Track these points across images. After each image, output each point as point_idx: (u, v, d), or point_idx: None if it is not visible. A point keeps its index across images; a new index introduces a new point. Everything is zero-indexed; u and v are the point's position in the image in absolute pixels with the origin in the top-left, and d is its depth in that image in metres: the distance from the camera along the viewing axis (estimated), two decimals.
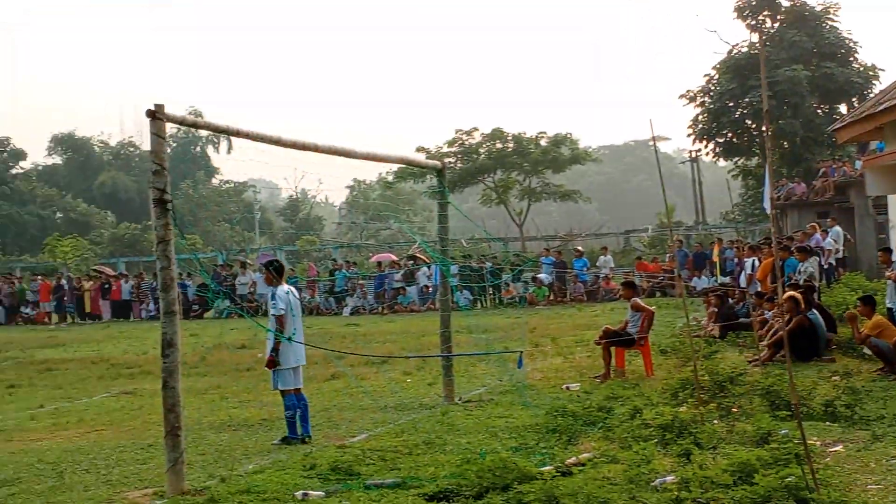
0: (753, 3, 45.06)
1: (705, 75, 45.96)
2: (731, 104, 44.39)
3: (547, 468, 8.02)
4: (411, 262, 35.07)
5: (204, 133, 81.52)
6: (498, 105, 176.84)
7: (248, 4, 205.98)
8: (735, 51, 45.69)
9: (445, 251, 14.17)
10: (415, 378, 16.11)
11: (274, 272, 11.02)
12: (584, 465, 8.22)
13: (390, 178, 63.90)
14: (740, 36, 66.39)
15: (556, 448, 9.43)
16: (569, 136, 52.52)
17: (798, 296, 15.19)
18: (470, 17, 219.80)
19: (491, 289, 32.21)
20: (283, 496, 8.01)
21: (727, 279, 26.88)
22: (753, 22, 45.63)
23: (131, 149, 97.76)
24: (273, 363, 10.75)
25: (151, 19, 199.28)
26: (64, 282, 39.08)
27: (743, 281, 22.87)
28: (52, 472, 9.91)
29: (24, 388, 17.64)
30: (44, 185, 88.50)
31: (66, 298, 38.35)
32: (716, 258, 29.49)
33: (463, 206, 28.87)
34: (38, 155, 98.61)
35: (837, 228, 26.03)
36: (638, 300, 15.64)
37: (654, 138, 11.79)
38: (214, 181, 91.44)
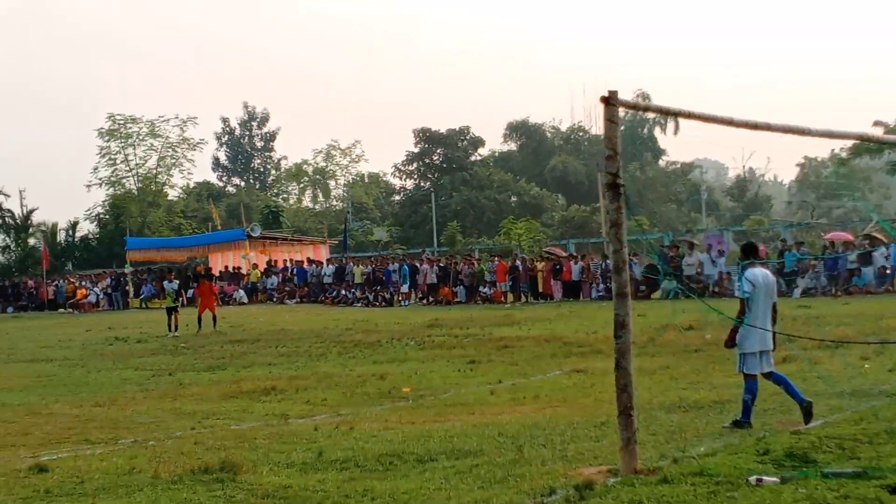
0: None
1: None
2: None
3: None
4: (867, 241, 32.95)
5: (651, 115, 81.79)
6: None
7: None
8: None
9: None
10: (873, 363, 15.07)
11: (746, 253, 10.95)
12: None
13: (844, 154, 60.37)
14: None
15: None
16: None
17: None
18: None
19: None
20: (735, 480, 7.76)
21: None
22: None
23: (580, 133, 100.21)
24: (730, 343, 10.72)
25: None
26: (518, 262, 40.87)
27: None
28: (512, 445, 10.29)
29: (483, 363, 18.54)
30: (500, 170, 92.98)
31: (520, 278, 40.10)
32: None
33: None
34: (494, 142, 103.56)
35: None
36: None
37: None
38: (661, 162, 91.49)
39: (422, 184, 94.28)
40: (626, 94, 9.15)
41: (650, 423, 10.93)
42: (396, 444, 10.58)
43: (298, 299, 46.66)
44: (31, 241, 77.74)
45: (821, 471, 7.91)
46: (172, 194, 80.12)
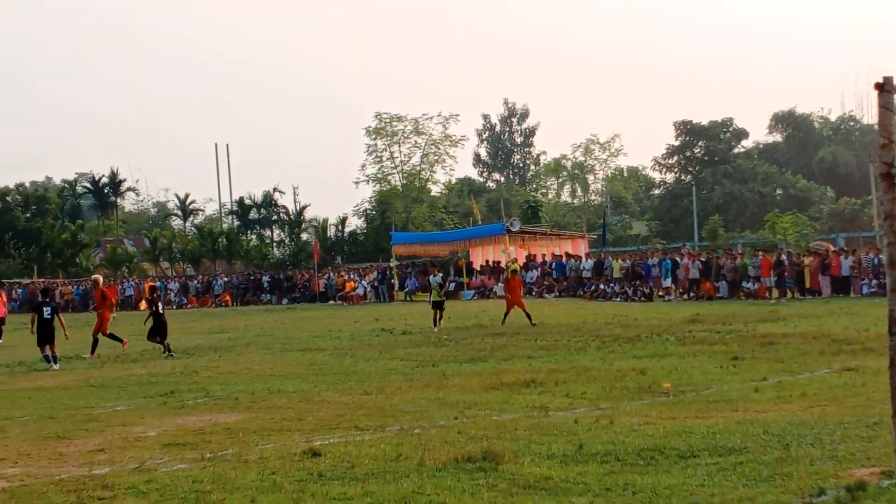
0: None
1: None
2: None
3: None
4: None
5: None
6: None
7: None
8: None
9: None
10: None
11: None
12: None
13: None
14: None
15: None
16: None
17: None
18: None
19: None
20: None
21: None
22: None
23: (851, 123, 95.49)
24: None
25: None
26: (784, 257, 39.46)
27: None
28: (778, 443, 9.98)
29: (747, 360, 18.02)
30: (764, 162, 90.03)
31: (786, 273, 38.70)
32: None
33: None
34: (758, 133, 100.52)
35: None
36: None
37: None
38: None
39: (682, 177, 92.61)
40: None
41: None
42: (657, 439, 10.47)
43: (557, 293, 46.90)
44: (304, 236, 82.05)
45: None
46: (435, 190, 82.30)
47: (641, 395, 14.18)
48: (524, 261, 51.74)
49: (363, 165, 79.43)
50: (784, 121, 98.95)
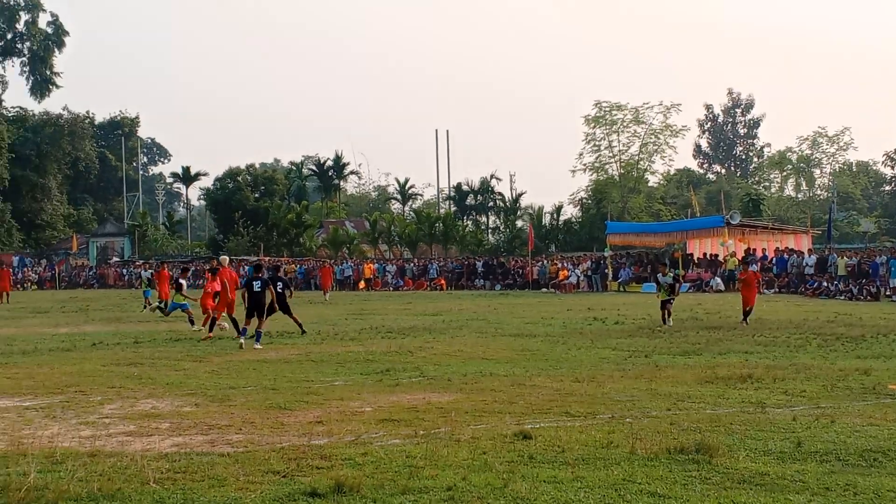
0: None
1: None
2: None
3: None
4: None
5: None
6: None
7: None
8: None
9: None
10: None
11: None
12: None
13: None
14: None
15: None
16: None
17: None
18: None
19: None
20: None
21: None
22: None
23: None
24: None
25: None
26: None
27: None
28: None
29: None
30: None
31: None
32: None
33: None
34: None
35: None
36: None
37: None
38: None
39: None
40: None
41: None
42: (881, 440, 10.01)
43: (777, 289, 45.40)
44: (519, 223, 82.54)
45: None
46: (653, 180, 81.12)
47: (865, 396, 13.57)
48: (743, 254, 50.29)
49: (580, 154, 79.21)
50: None
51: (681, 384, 14.89)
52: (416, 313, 34.52)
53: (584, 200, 79.87)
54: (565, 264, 56.60)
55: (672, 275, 26.42)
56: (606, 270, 54.26)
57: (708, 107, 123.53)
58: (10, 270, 63.88)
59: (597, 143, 77.07)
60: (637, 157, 76.73)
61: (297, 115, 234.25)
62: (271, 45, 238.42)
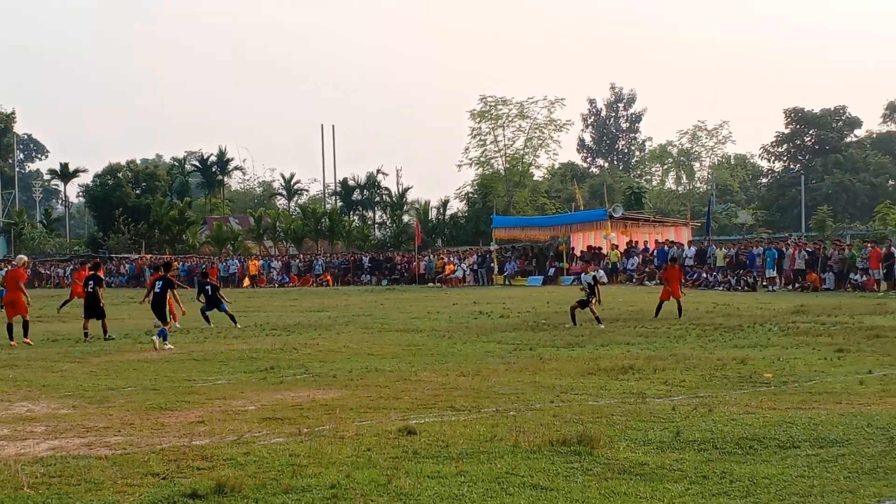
0: None
1: None
2: None
3: None
4: None
5: None
6: None
7: None
8: None
9: None
10: None
11: None
12: None
13: None
14: None
15: None
16: None
17: None
18: None
19: None
20: None
21: None
22: None
23: None
24: None
25: None
26: (894, 249, 38.34)
27: None
28: (882, 436, 9.76)
29: (853, 353, 17.58)
30: (877, 152, 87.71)
31: (895, 266, 37.61)
32: None
33: None
34: (872, 122, 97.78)
35: None
36: None
37: None
38: None
39: (791, 166, 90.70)
40: None
41: None
42: (757, 428, 10.28)
43: (658, 281, 46.33)
44: (405, 218, 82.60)
45: None
46: (538, 174, 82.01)
47: (742, 385, 13.93)
48: (625, 247, 51.23)
49: (467, 149, 79.64)
50: None
51: (564, 376, 15.07)
52: (302, 310, 34.27)
53: (470, 195, 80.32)
54: (451, 259, 56.86)
55: (593, 275, 25.63)
56: (492, 264, 54.68)
57: (591, 101, 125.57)
58: None
59: (482, 137, 77.61)
60: (522, 152, 77.49)
61: (180, 111, 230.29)
62: (153, 39, 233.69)
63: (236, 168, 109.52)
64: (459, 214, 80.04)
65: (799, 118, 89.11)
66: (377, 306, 34.84)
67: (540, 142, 77.15)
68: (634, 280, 47.14)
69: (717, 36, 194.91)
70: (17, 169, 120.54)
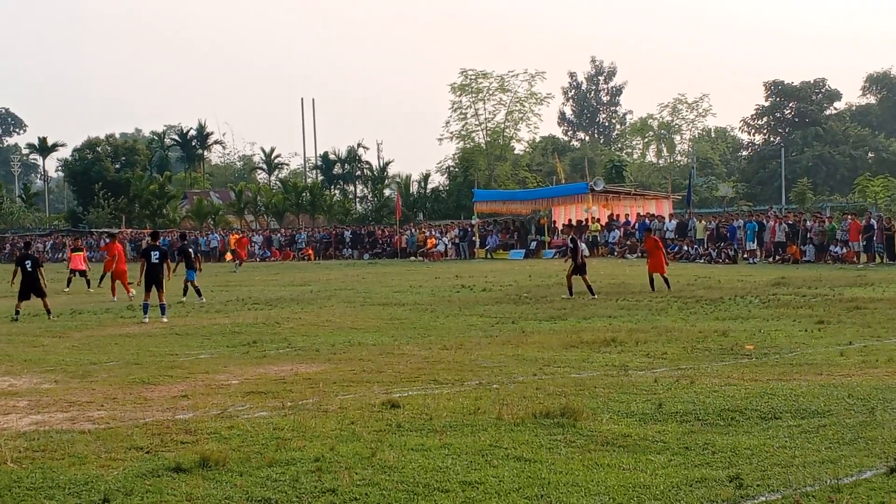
0: None
1: None
2: None
3: None
4: None
5: None
6: None
7: None
8: None
9: None
10: None
11: None
12: None
13: None
14: None
15: None
16: None
17: None
18: None
19: None
20: None
21: None
22: None
23: None
24: None
25: None
26: (873, 221, 38.54)
27: None
28: (863, 407, 9.83)
29: (833, 324, 17.69)
30: (856, 125, 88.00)
31: (875, 238, 37.82)
32: None
33: None
34: (851, 95, 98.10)
35: None
36: None
37: None
38: None
39: (771, 139, 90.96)
40: None
41: None
42: (738, 399, 10.35)
43: (639, 254, 46.48)
44: (387, 192, 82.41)
45: None
46: (519, 148, 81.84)
47: (723, 357, 14.01)
48: (607, 220, 51.30)
49: (447, 122, 79.34)
50: (878, 83, 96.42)
51: (547, 349, 15.12)
52: (284, 284, 34.22)
53: (452, 168, 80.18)
54: (433, 232, 56.80)
55: (571, 237, 25.38)
56: (474, 238, 54.67)
57: (572, 74, 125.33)
58: None
59: (463, 111, 77.30)
60: (503, 125, 77.27)
61: (160, 85, 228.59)
62: (130, 11, 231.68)
63: (216, 142, 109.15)
64: (441, 188, 79.91)
65: (779, 91, 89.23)
66: (359, 280, 34.82)
67: (521, 115, 76.93)
68: (616, 253, 47.25)
69: (698, 8, 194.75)
70: None
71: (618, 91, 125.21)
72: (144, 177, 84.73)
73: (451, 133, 78.55)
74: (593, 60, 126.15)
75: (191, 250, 28.03)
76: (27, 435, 9.47)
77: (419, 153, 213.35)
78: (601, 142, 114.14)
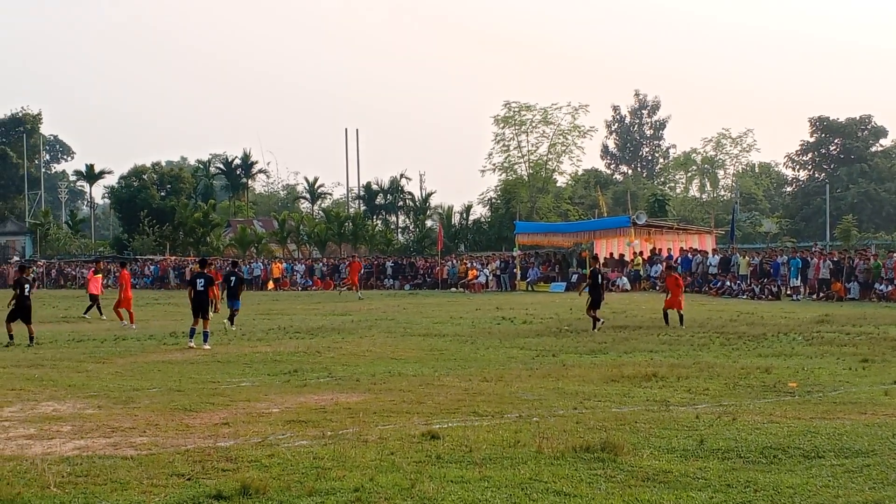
0: None
1: None
2: None
3: None
4: None
5: None
6: None
7: None
8: None
9: None
10: None
11: None
12: None
13: None
14: None
15: None
16: None
17: None
18: None
19: None
20: None
21: None
22: None
23: None
24: None
25: None
26: None
27: None
28: None
29: (877, 363, 17.48)
30: None
31: None
32: None
33: None
34: None
35: None
36: None
37: None
38: None
39: (816, 175, 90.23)
40: None
41: None
42: (781, 437, 10.25)
43: (659, 289, 46.23)
44: (428, 223, 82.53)
45: None
46: (561, 181, 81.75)
47: (766, 394, 13.89)
48: (649, 255, 51.06)
49: (490, 154, 79.37)
50: None
51: (587, 383, 15.07)
52: (325, 313, 34.34)
53: (494, 200, 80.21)
54: (474, 264, 56.79)
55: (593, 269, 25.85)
56: (515, 270, 54.58)
57: (615, 108, 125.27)
58: None
59: (506, 143, 77.39)
60: (545, 158, 77.26)
61: (205, 113, 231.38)
62: (178, 40, 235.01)
63: (260, 171, 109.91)
64: (482, 220, 79.94)
65: (824, 127, 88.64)
66: (400, 311, 34.87)
67: (563, 148, 76.87)
68: (658, 287, 46.94)
69: (742, 42, 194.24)
70: (42, 170, 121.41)
71: (661, 125, 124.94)
72: (189, 205, 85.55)
73: (494, 165, 78.66)
74: (637, 94, 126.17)
75: (233, 279, 27.99)
76: (70, 460, 9.56)
77: (461, 185, 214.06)
78: (644, 176, 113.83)
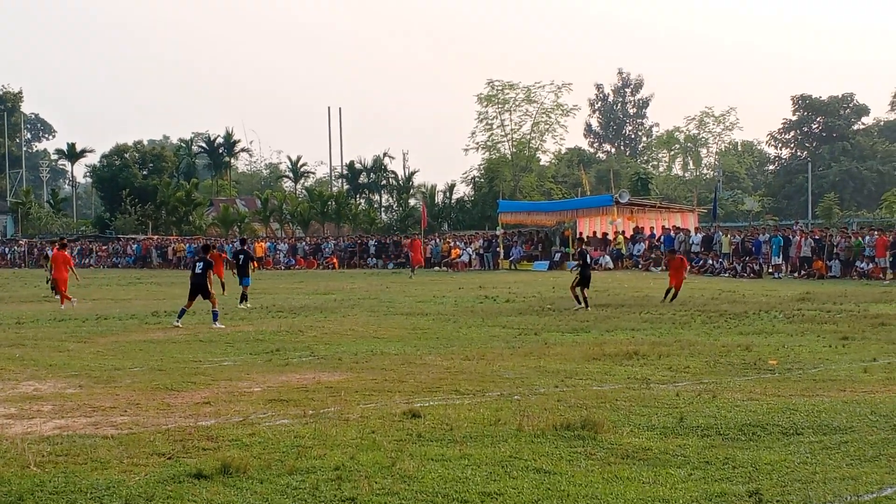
0: None
1: None
2: None
3: None
4: None
5: None
6: None
7: None
8: None
9: None
10: None
11: None
12: None
13: None
14: None
15: None
16: None
17: None
18: None
19: None
20: None
21: None
22: None
23: None
24: None
25: None
26: None
27: None
28: (886, 424, 9.78)
29: (857, 340, 17.58)
30: (884, 140, 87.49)
31: None
32: None
33: None
34: (880, 110, 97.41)
35: None
36: None
37: None
38: None
39: (798, 153, 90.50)
40: None
41: None
42: (760, 414, 10.31)
43: (664, 267, 46.35)
44: (412, 202, 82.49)
45: None
46: (544, 159, 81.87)
47: (746, 372, 13.96)
48: (632, 233, 51.16)
49: (473, 133, 79.48)
50: None
51: (569, 361, 15.10)
52: (308, 292, 34.32)
53: (477, 179, 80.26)
54: (457, 243, 56.81)
55: (580, 250, 26.50)
56: (498, 249, 54.63)
57: (598, 86, 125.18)
58: None
59: (489, 121, 77.44)
60: (529, 136, 77.32)
61: (187, 92, 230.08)
62: (159, 19, 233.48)
63: (243, 150, 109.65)
64: (466, 199, 79.97)
65: (806, 105, 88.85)
66: (383, 290, 34.88)
67: (547, 126, 76.97)
68: (640, 266, 47.11)
69: (725, 21, 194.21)
70: (24, 148, 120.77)
71: (644, 103, 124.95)
72: (171, 184, 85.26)
73: (477, 144, 78.71)
74: (620, 72, 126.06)
75: (241, 256, 28.74)
76: (50, 439, 9.54)
77: (445, 163, 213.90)
78: (627, 154, 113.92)
